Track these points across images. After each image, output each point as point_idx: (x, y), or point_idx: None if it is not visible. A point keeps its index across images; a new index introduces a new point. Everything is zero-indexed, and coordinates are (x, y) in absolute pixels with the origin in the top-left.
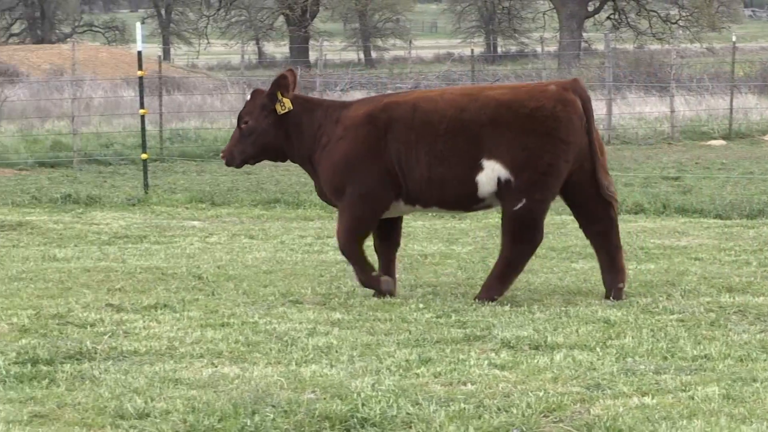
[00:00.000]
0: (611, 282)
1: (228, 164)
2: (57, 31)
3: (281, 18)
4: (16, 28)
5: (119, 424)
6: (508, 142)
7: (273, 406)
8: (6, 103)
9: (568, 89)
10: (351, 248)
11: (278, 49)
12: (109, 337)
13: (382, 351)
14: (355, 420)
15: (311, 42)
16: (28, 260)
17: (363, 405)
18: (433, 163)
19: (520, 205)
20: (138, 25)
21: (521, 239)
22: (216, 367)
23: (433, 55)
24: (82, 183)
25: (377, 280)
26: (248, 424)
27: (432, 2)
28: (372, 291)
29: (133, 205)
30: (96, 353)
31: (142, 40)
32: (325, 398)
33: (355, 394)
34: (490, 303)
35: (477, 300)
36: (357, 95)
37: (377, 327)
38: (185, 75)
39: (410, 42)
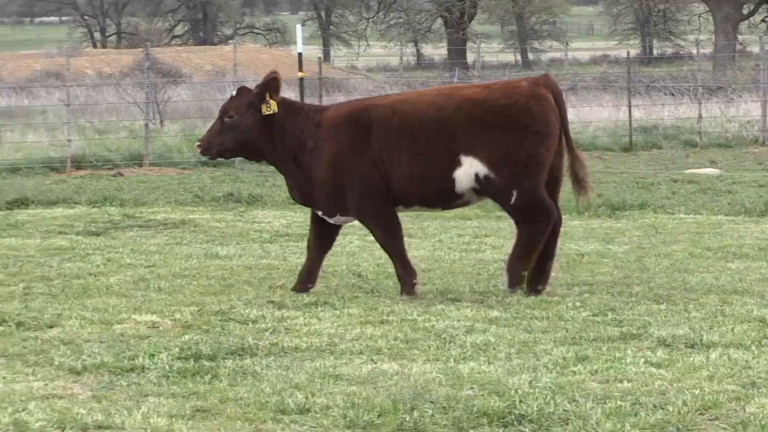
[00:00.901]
0: (534, 283)
1: (203, 154)
2: (219, 33)
3: (439, 20)
4: (179, 30)
5: (280, 419)
6: (485, 139)
7: (431, 402)
8: (169, 104)
9: (540, 84)
10: (398, 251)
11: (436, 51)
12: (271, 333)
13: (539, 348)
14: (513, 416)
15: (469, 44)
16: (191, 257)
17: (520, 402)
18: (414, 162)
19: (514, 198)
20: (298, 27)
21: (533, 220)
22: (375, 363)
23: (589, 57)
24: (244, 182)
25: (414, 273)
26: (407, 419)
27: (588, 5)
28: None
29: (294, 203)
30: (258, 349)
31: (303, 42)
32: (482, 395)
33: (513, 391)
34: (515, 289)
35: (509, 288)
36: None
37: (534, 325)
38: (345, 76)
39: (567, 44)
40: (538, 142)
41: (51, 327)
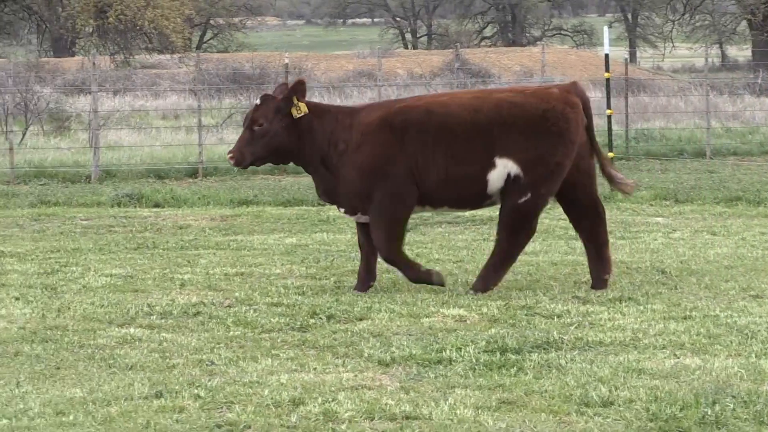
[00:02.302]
0: (597, 273)
1: (236, 164)
2: (527, 34)
3: (744, 23)
4: (488, 32)
5: (584, 411)
6: (521, 142)
7: (733, 397)
8: None
9: (571, 92)
10: (393, 254)
11: (741, 52)
12: (575, 328)
13: None
14: None
15: None
16: None
17: None
18: (449, 164)
19: (524, 199)
20: (605, 29)
21: (518, 230)
22: (678, 358)
23: None
24: None
25: (428, 273)
26: (708, 413)
27: None
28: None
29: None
30: (563, 343)
31: (609, 44)
32: None
33: None
34: (483, 294)
35: (472, 291)
36: None
37: None
38: (650, 77)
39: None
40: (570, 151)
41: (361, 320)
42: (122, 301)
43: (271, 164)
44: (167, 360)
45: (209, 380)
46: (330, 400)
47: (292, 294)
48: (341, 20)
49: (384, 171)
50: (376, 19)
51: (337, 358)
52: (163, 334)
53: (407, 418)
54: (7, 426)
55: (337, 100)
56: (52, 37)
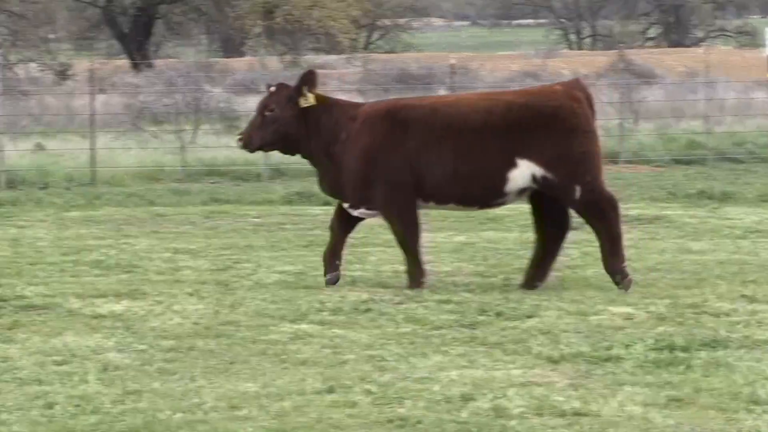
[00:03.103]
0: (532, 275)
1: (244, 147)
2: (690, 35)
3: None
4: (652, 33)
5: (752, 409)
6: (538, 142)
7: None
8: (642, 103)
9: (575, 88)
10: (413, 244)
11: None
12: (743, 326)
13: None
14: None
15: None
16: (664, 252)
17: None
18: (457, 162)
19: (579, 194)
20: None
21: (604, 214)
22: None
23: None
24: (716, 180)
25: (423, 272)
26: None
27: None
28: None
29: (766, 201)
30: (730, 341)
31: None
32: None
33: None
34: (628, 278)
35: (622, 289)
36: None
37: None
38: None
39: None
40: (588, 140)
41: (529, 317)
42: (294, 298)
43: (279, 152)
44: (339, 356)
45: (380, 376)
46: (500, 396)
47: (461, 291)
48: (506, 21)
49: (380, 159)
50: (540, 20)
51: (507, 354)
52: (335, 330)
53: (576, 414)
54: (182, 419)
55: None
56: (222, 38)
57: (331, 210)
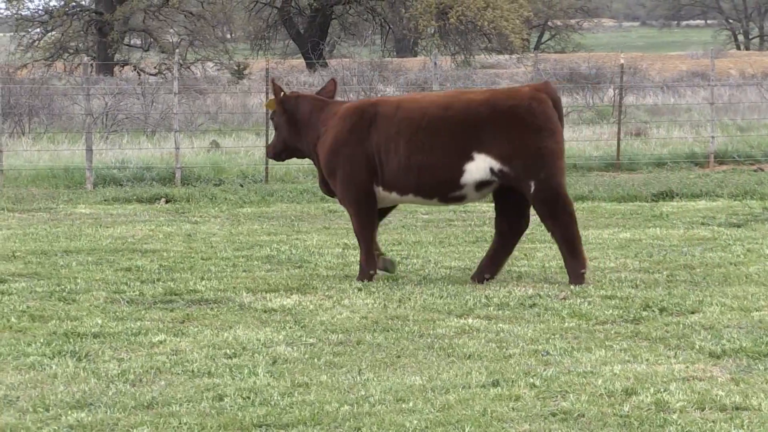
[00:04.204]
0: (485, 269)
1: (269, 157)
2: None
3: None
4: None
5: None
6: (493, 136)
7: None
8: None
9: (540, 90)
10: (363, 233)
11: None
12: None
13: None
14: None
15: None
16: None
17: None
18: (413, 153)
19: (533, 189)
20: None
21: (556, 214)
22: None
23: None
24: None
25: (371, 276)
26: None
27: None
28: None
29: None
30: None
31: None
32: None
33: None
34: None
35: (574, 285)
36: None
37: None
38: None
39: None
40: (544, 136)
41: (692, 313)
42: (460, 293)
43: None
44: (504, 350)
45: (544, 370)
46: (661, 390)
47: (626, 287)
48: (675, 22)
49: (342, 152)
50: (709, 21)
51: (669, 349)
52: (500, 325)
53: (737, 408)
54: (349, 412)
55: (671, 100)
56: (395, 38)
57: None
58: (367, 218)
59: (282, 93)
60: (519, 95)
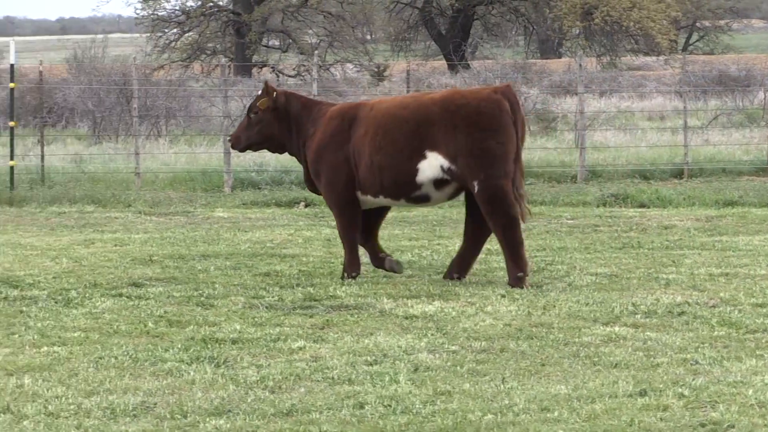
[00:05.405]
0: (455, 267)
1: (233, 147)
2: None
3: None
4: None
5: None
6: (443, 135)
7: None
8: None
9: (498, 92)
10: (346, 236)
11: None
12: None
13: None
14: None
15: None
16: None
17: None
18: (376, 153)
19: (477, 189)
20: None
21: (499, 216)
22: None
23: None
24: None
25: (357, 267)
26: None
27: None
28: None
29: None
30: None
31: None
32: None
33: None
34: (525, 284)
35: (512, 287)
36: None
37: None
38: None
39: None
40: (488, 136)
41: None
42: (607, 300)
43: (268, 151)
44: (651, 359)
45: (693, 379)
46: None
47: None
48: None
49: (324, 155)
50: None
51: None
52: (648, 333)
53: None
54: (493, 421)
55: None
56: (539, 39)
57: (645, 213)
58: (349, 221)
59: (275, 92)
60: (472, 95)
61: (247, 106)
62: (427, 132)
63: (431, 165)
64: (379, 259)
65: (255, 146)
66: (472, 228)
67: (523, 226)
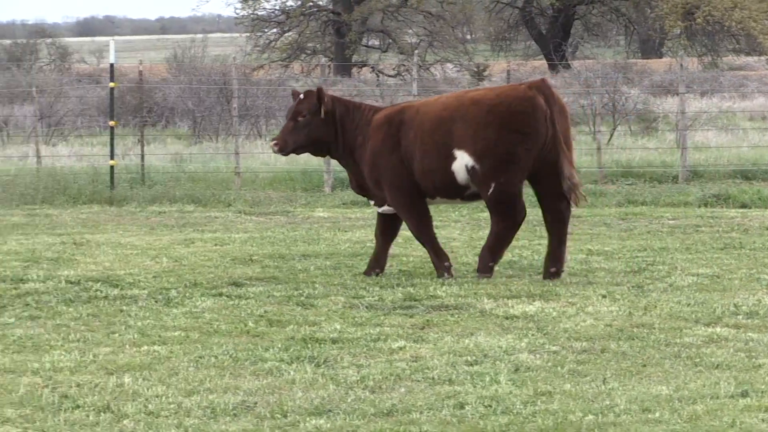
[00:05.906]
0: (547, 265)
1: (279, 151)
2: None
3: None
4: None
5: None
6: (473, 134)
7: None
8: None
9: (533, 88)
10: (422, 236)
11: None
12: None
13: None
14: None
15: None
16: None
17: None
18: (423, 156)
19: (491, 190)
20: None
21: (505, 217)
22: None
23: None
24: None
25: (447, 268)
26: None
27: None
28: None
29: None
30: None
31: None
32: None
33: None
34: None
35: (478, 273)
36: None
37: None
38: None
39: None
40: (518, 140)
41: None
42: (708, 301)
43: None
44: (753, 359)
45: None
46: None
47: None
48: None
49: (381, 163)
50: None
51: None
52: (750, 334)
53: None
54: (594, 421)
55: None
56: (640, 39)
57: (747, 213)
58: (420, 220)
59: (326, 96)
60: (506, 93)
61: (289, 109)
62: (458, 131)
63: (460, 166)
64: (375, 263)
65: (300, 149)
66: (551, 220)
67: (574, 209)
